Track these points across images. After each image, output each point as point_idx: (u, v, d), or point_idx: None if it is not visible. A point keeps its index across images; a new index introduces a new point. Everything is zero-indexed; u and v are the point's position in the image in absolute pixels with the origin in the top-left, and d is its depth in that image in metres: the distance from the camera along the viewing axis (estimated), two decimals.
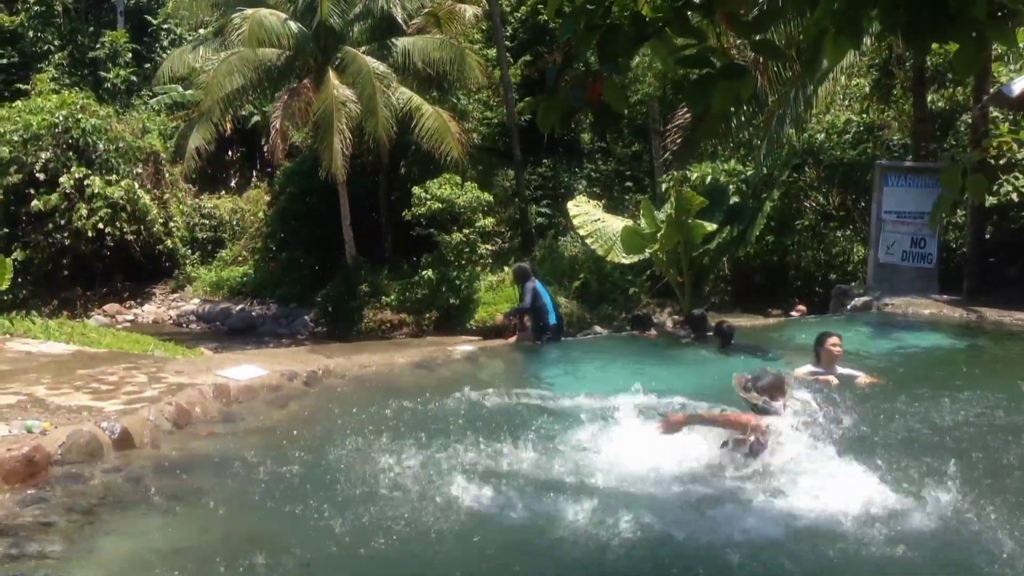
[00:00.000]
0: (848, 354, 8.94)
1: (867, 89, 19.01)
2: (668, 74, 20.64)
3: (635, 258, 18.06)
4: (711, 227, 16.71)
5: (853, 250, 18.98)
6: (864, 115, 19.44)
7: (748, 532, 4.84)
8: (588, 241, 18.53)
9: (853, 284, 17.01)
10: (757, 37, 3.42)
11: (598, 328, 19.28)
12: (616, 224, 18.41)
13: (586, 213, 18.88)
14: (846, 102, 20.09)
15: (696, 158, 18.43)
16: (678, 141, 16.46)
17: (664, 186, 20.67)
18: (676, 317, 17.36)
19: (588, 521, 4.92)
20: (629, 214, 20.55)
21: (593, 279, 20.17)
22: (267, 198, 26.91)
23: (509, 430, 6.54)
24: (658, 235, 16.93)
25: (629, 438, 6.32)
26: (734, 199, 18.55)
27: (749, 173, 19.26)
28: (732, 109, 15.18)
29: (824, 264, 19.24)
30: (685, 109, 15.98)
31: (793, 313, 16.53)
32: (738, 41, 10.75)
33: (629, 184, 24.99)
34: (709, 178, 19.20)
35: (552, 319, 11.86)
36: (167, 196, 25.99)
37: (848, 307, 15.14)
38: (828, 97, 17.25)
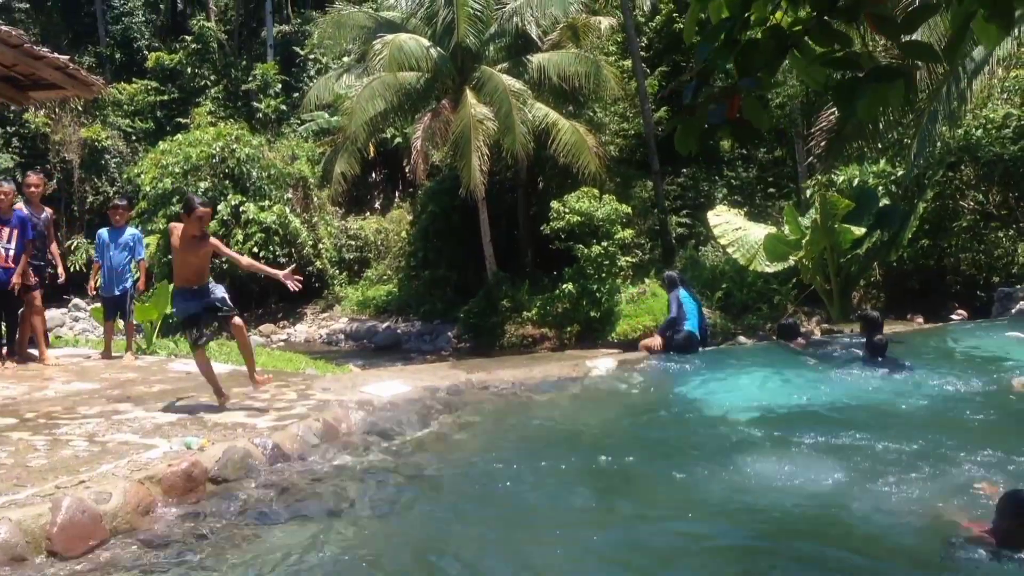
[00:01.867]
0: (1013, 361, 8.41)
1: None
2: (817, 81, 20.07)
3: (779, 266, 17.62)
4: (859, 231, 16.12)
5: (1017, 251, 17.83)
6: None
7: None
8: (730, 250, 18.20)
9: (1018, 287, 15.99)
10: (907, 38, 3.22)
11: (742, 338, 18.80)
12: (758, 232, 18.01)
13: (727, 222, 18.57)
14: (1004, 95, 18.90)
15: (842, 161, 17.74)
16: (822, 144, 15.88)
17: (808, 191, 20.02)
18: (825, 326, 16.73)
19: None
20: (772, 221, 20.03)
21: (736, 289, 19.71)
22: (409, 217, 27.59)
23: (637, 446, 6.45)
24: (803, 242, 16.47)
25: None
26: (884, 201, 17.81)
27: (899, 174, 18.39)
28: (880, 109, 14.55)
29: (985, 266, 18.15)
30: (830, 111, 15.42)
31: (953, 317, 15.68)
32: (883, 44, 10.29)
33: (771, 190, 24.35)
34: (856, 181, 18.48)
35: (690, 326, 11.58)
36: (315, 219, 27.02)
37: (1013, 311, 14.26)
38: (984, 91, 16.31)
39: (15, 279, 9.56)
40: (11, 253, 9.55)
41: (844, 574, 4.81)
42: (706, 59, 3.12)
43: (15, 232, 9.59)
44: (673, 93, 24.07)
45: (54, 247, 10.93)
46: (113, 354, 10.70)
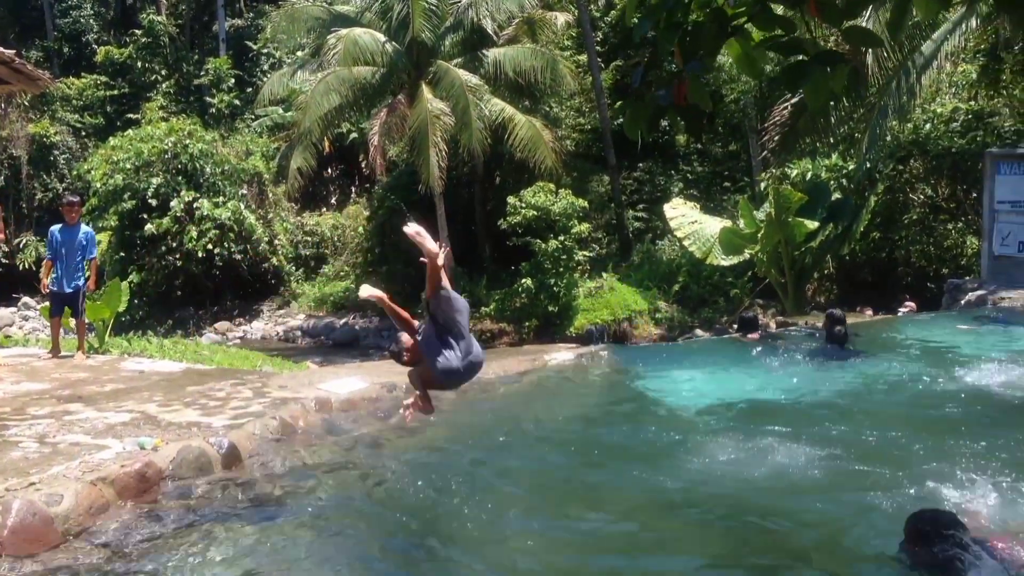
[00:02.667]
0: (966, 353, 8.60)
1: (974, 76, 18.21)
2: (767, 70, 20.26)
3: (735, 259, 17.80)
4: (813, 225, 16.34)
5: (966, 243, 18.20)
6: (972, 103, 18.64)
7: None
8: (686, 244, 18.35)
9: (967, 278, 16.33)
10: (849, 24, 3.27)
11: (699, 331, 18.99)
12: (714, 226, 18.17)
13: (683, 215, 18.71)
14: (952, 90, 19.28)
15: (795, 155, 17.98)
16: (776, 138, 16.08)
17: (762, 185, 20.24)
18: (780, 318, 16.94)
19: None
20: (727, 215, 20.21)
21: (692, 282, 19.89)
22: (366, 213, 27.41)
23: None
24: (758, 235, 16.64)
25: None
26: (836, 195, 18.08)
27: (851, 168, 18.68)
28: (831, 104, 14.75)
29: (935, 258, 18.50)
30: (783, 106, 15.61)
31: (901, 310, 15.96)
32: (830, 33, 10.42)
33: (726, 184, 24.58)
34: (809, 175, 18.74)
35: None
36: (271, 215, 26.74)
37: (962, 302, 14.55)
38: (933, 85, 16.61)
39: None
40: None
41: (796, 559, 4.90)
42: (646, 33, 3.15)
43: None
44: (628, 86, 24.18)
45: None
46: (62, 352, 10.50)
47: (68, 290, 10.33)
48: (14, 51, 11.40)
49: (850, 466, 6.14)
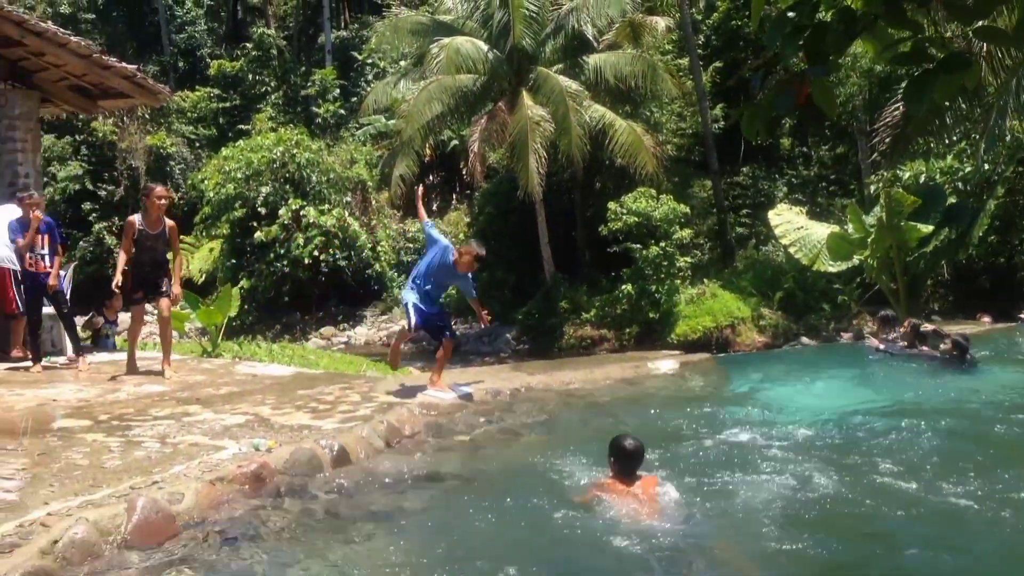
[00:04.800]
0: None
1: None
2: (877, 68, 19.68)
3: (843, 266, 17.34)
4: (926, 229, 15.79)
5: None
6: None
7: None
8: (791, 250, 17.96)
9: None
10: (980, 23, 3.13)
11: (805, 339, 18.54)
12: (821, 231, 17.74)
13: (788, 221, 18.32)
14: None
15: (907, 157, 17.38)
16: (887, 140, 15.57)
17: (873, 188, 19.64)
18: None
19: None
20: (835, 220, 19.71)
21: (798, 289, 19.42)
22: (467, 219, 27.68)
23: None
24: (868, 240, 16.17)
25: None
26: (952, 199, 17.43)
27: (967, 170, 17.96)
28: (947, 103, 14.21)
29: None
30: (895, 107, 15.11)
31: (1022, 316, 15.27)
32: (958, 29, 10.02)
33: (833, 188, 23.99)
34: (923, 177, 18.11)
35: None
36: (374, 222, 27.26)
37: None
38: None
39: (51, 281, 9.80)
40: (45, 259, 9.81)
41: None
42: (776, 45, 3.07)
43: (46, 238, 9.83)
44: (730, 89, 23.81)
45: (179, 258, 10.52)
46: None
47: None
48: (135, 66, 11.94)
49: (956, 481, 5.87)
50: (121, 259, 9.19)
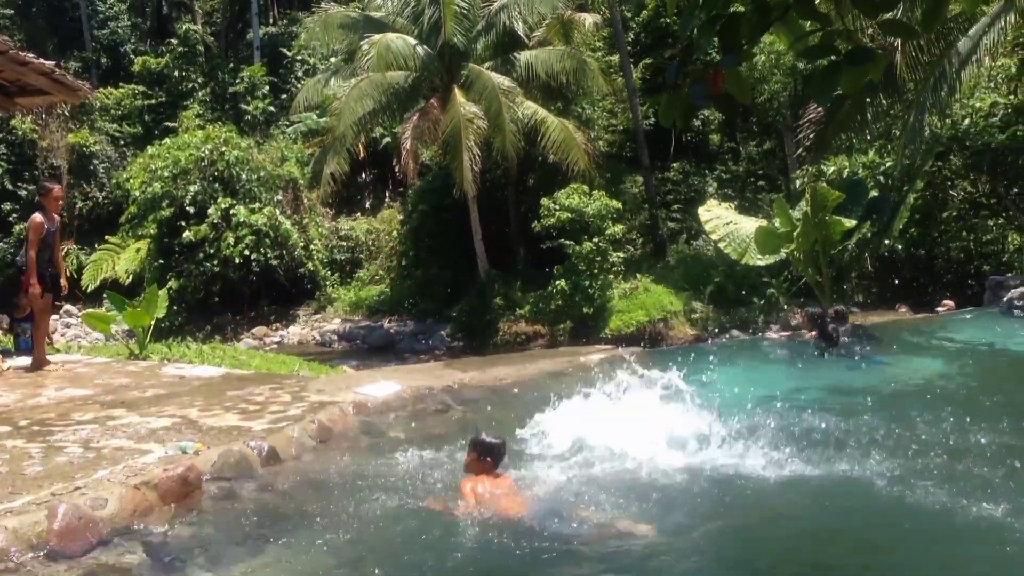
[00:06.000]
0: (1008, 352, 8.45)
1: (1013, 69, 17.91)
2: (800, 65, 20.09)
3: (771, 259, 17.67)
4: (850, 223, 16.17)
5: (1007, 239, 17.91)
6: (1012, 96, 18.33)
7: None
8: (721, 245, 18.23)
9: (1009, 275, 16.05)
10: (886, 16, 3.22)
11: (735, 332, 18.87)
12: (749, 226, 18.05)
13: (718, 216, 18.60)
14: (991, 84, 18.97)
15: (831, 152, 17.80)
16: (811, 136, 15.94)
17: (798, 183, 20.06)
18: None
19: None
20: (763, 214, 20.07)
21: (728, 283, 19.75)
22: (400, 217, 27.54)
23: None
24: (794, 234, 16.49)
25: None
26: (874, 192, 17.88)
27: (888, 164, 18.45)
28: (867, 100, 14.58)
29: (976, 255, 18.22)
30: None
31: (940, 308, 15.75)
32: (868, 23, 10.29)
33: (761, 183, 24.42)
34: (846, 172, 18.56)
35: None
36: (306, 220, 26.95)
37: (1004, 299, 14.31)
38: (972, 80, 16.35)
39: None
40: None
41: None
42: (689, 34, 3.12)
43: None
44: (660, 86, 24.08)
45: (59, 254, 10.76)
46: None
47: None
48: (53, 62, 11.60)
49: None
50: (33, 262, 9.22)
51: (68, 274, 10.83)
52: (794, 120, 19.68)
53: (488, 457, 5.70)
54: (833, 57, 2.88)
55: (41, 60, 11.11)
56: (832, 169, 18.75)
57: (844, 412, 7.69)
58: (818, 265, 16.92)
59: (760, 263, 17.86)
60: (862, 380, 9.66)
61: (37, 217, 9.47)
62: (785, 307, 18.95)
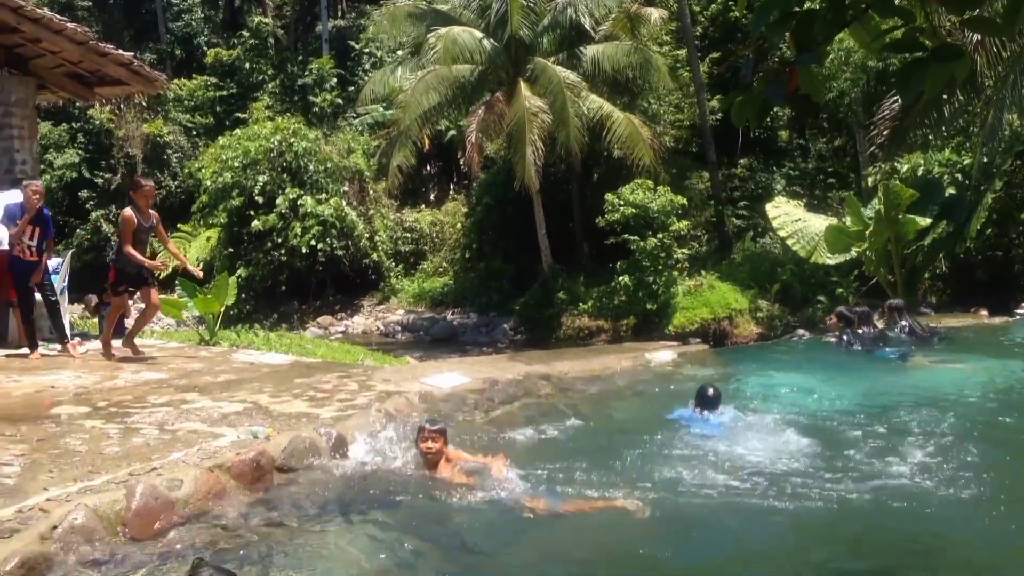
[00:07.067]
0: None
1: None
2: (871, 63, 19.69)
3: (841, 258, 17.38)
4: (924, 222, 15.82)
5: None
6: None
7: None
8: (789, 242, 17.99)
9: None
10: (972, 13, 3.12)
11: (802, 331, 18.57)
12: (819, 223, 17.77)
13: (786, 214, 18.35)
14: None
15: (905, 149, 17.40)
16: (885, 133, 15.59)
17: (870, 180, 19.64)
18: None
19: None
20: (832, 212, 19.72)
21: (795, 281, 19.44)
22: (464, 210, 27.68)
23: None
24: (866, 233, 16.19)
25: None
26: (950, 191, 17.44)
27: (966, 163, 17.97)
28: (945, 96, 14.22)
29: None
30: (893, 99, 15.12)
31: (1019, 311, 15.30)
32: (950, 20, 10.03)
33: (831, 181, 24.00)
34: (921, 170, 18.10)
35: None
36: (371, 212, 27.24)
37: None
38: None
39: (35, 277, 9.75)
40: (33, 249, 9.77)
41: None
42: (761, 32, 3.07)
43: (38, 230, 9.77)
44: (728, 80, 23.79)
45: (172, 246, 10.92)
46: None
47: None
48: (131, 54, 11.91)
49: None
50: (136, 253, 9.35)
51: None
52: (867, 117, 19.27)
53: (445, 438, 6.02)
54: (919, 53, 2.81)
55: (120, 51, 11.41)
56: (906, 167, 18.32)
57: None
58: (890, 265, 16.59)
59: (829, 262, 17.57)
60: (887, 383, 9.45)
61: (127, 211, 9.52)
62: (856, 307, 18.58)
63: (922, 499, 5.46)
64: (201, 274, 10.68)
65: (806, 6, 3.03)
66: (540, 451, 6.69)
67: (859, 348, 11.00)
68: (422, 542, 4.95)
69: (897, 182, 16.64)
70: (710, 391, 7.39)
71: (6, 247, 9.85)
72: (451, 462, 5.93)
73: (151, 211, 9.72)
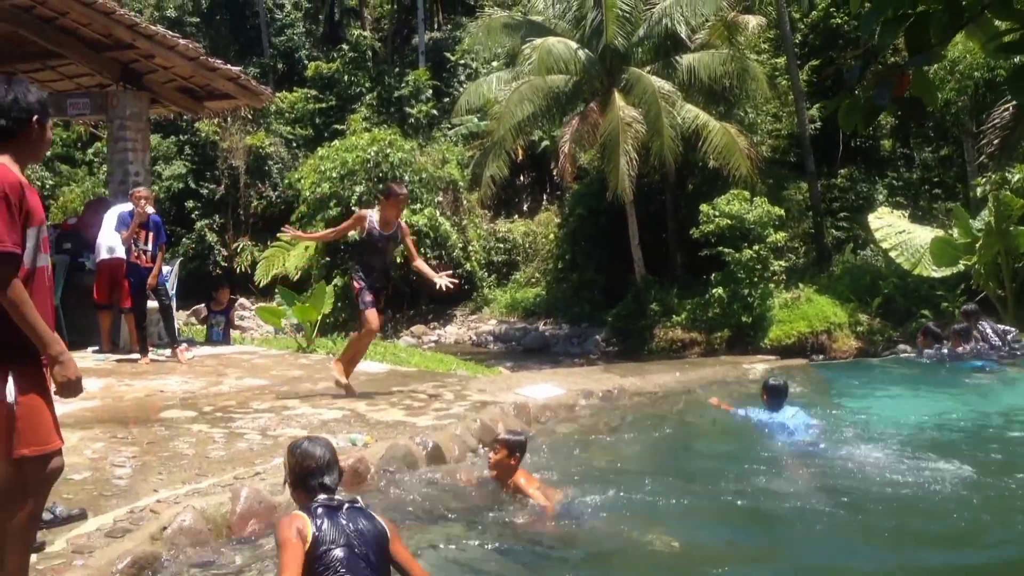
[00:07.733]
0: None
1: None
2: (977, 73, 19.01)
3: (947, 271, 16.79)
4: None
5: None
6: None
7: None
8: (892, 254, 17.47)
9: None
10: None
11: (904, 347, 17.97)
12: (924, 235, 17.22)
13: (889, 225, 17.84)
14: None
15: (1017, 159, 16.69)
16: (995, 141, 15.02)
17: (979, 191, 18.91)
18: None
19: None
20: (938, 224, 19.05)
21: (898, 294, 18.81)
22: (557, 220, 27.67)
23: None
24: (975, 245, 15.61)
25: None
26: None
27: None
28: None
29: None
30: (1003, 107, 14.57)
31: None
32: None
33: (937, 191, 23.18)
34: None
35: None
36: (465, 222, 27.46)
37: None
38: None
39: (150, 280, 10.08)
40: (148, 254, 10.10)
41: None
42: (872, 32, 2.99)
43: (151, 235, 10.12)
44: (827, 88, 23.25)
45: (419, 263, 10.74)
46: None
47: None
48: (238, 68, 12.31)
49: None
50: (327, 233, 9.47)
51: (240, 270, 11.08)
52: (975, 126, 18.58)
53: (517, 453, 5.68)
54: None
55: (228, 66, 11.81)
56: (1017, 176, 17.54)
57: None
58: (1000, 279, 15.95)
59: (935, 275, 16.98)
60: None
61: (365, 211, 8.40)
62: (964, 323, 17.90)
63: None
64: (455, 284, 9.24)
65: (919, 8, 2.95)
66: (634, 458, 6.64)
67: (949, 363, 10.80)
68: (520, 550, 4.96)
69: (1008, 192, 15.98)
70: (778, 382, 7.73)
71: (121, 255, 10.27)
72: (521, 480, 5.67)
73: (401, 222, 8.42)
